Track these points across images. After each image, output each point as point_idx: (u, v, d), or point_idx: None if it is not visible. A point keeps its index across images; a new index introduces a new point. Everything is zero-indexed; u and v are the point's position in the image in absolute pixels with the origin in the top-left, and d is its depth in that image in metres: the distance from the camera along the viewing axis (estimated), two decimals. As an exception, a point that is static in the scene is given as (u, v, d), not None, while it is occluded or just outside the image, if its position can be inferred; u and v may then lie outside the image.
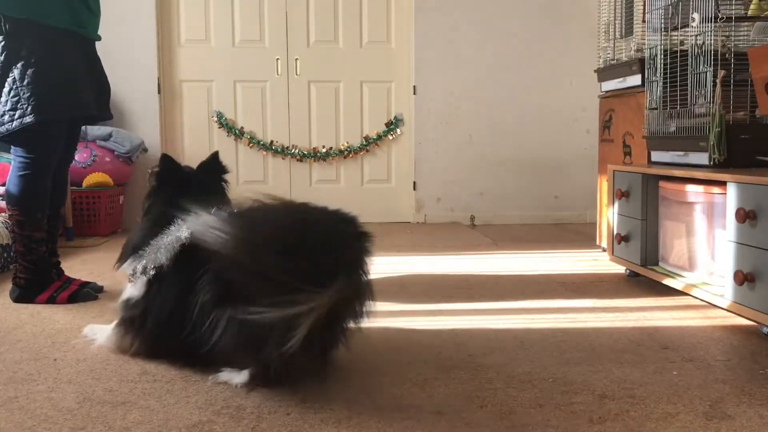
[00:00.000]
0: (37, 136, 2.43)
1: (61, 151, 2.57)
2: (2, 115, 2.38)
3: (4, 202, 2.53)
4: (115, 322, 1.95)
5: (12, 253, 3.13)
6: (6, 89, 2.38)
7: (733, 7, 2.62)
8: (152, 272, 1.80)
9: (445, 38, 4.89)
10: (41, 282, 2.55)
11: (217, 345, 1.62)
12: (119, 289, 2.02)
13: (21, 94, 2.36)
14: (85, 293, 2.59)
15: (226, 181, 2.09)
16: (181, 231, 1.79)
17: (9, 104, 2.37)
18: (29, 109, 2.35)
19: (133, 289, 1.87)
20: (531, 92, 4.95)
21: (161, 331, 1.81)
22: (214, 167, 2.08)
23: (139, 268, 1.84)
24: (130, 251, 1.92)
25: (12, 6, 2.36)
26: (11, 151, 2.52)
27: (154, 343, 1.86)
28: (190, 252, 1.75)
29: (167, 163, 1.99)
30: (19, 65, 2.37)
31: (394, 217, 5.02)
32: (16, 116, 2.36)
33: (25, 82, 2.36)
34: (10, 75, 2.37)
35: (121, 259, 1.95)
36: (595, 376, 1.76)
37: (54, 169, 2.57)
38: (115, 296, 2.66)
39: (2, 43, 2.37)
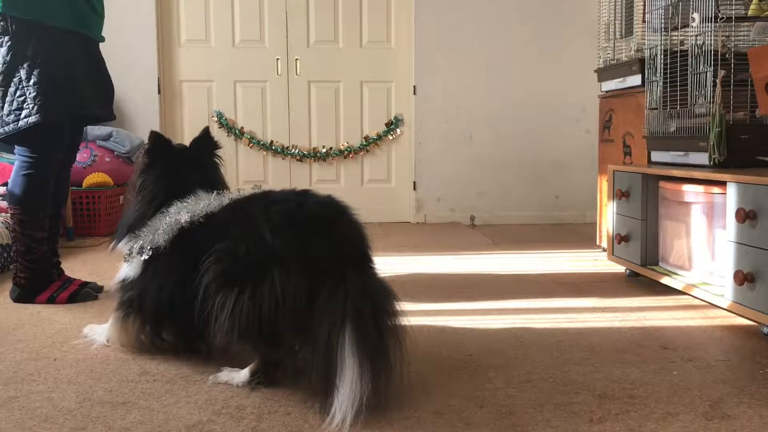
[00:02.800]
0: (41, 136, 2.44)
1: (63, 150, 2.58)
2: (8, 115, 2.38)
3: (6, 201, 2.53)
4: (114, 308, 1.94)
5: (12, 253, 3.13)
6: (12, 89, 2.38)
7: (733, 7, 2.62)
8: (149, 253, 1.79)
9: (445, 38, 4.89)
10: (41, 282, 2.56)
11: (223, 327, 1.59)
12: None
13: (27, 94, 2.36)
14: (85, 293, 2.59)
15: (219, 157, 2.07)
16: (181, 214, 1.79)
17: (15, 104, 2.38)
18: (35, 108, 2.36)
19: (129, 269, 1.87)
20: (531, 92, 4.95)
21: (161, 312, 1.80)
22: (205, 143, 2.05)
23: (135, 248, 1.83)
24: (125, 230, 1.91)
25: (17, 7, 2.36)
26: (15, 150, 2.52)
27: (154, 326, 1.86)
28: (189, 235, 1.76)
29: (157, 139, 1.97)
30: (25, 65, 2.37)
31: (394, 217, 5.03)
32: (22, 116, 2.37)
33: (31, 82, 2.37)
34: (16, 75, 2.37)
35: (116, 239, 1.94)
36: (595, 376, 1.76)
37: (56, 169, 2.58)
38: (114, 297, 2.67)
39: (8, 43, 2.37)
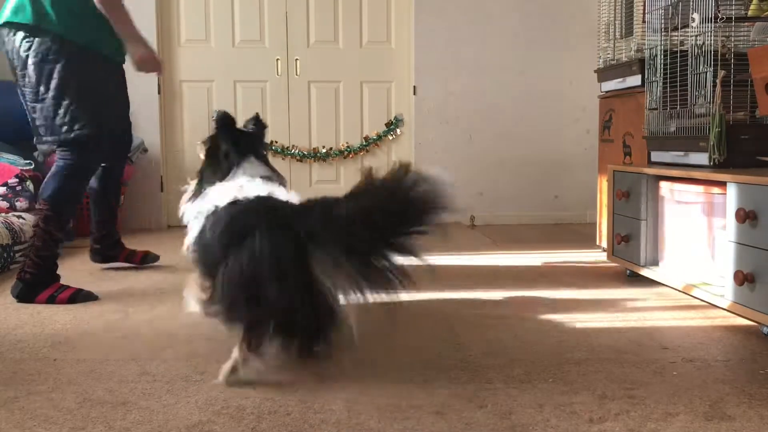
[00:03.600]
0: (85, 147, 2.69)
1: (101, 161, 2.90)
2: (61, 126, 2.63)
3: (39, 195, 2.69)
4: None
5: (11, 253, 3.14)
6: (66, 102, 2.62)
7: (733, 7, 2.62)
8: (201, 219, 1.97)
9: (445, 38, 4.89)
10: (45, 280, 2.59)
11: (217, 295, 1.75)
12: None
13: (74, 110, 2.63)
14: (85, 294, 2.60)
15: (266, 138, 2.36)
16: (212, 201, 1.96)
17: (68, 117, 2.62)
18: (82, 124, 2.64)
19: (191, 234, 2.04)
20: (531, 92, 4.95)
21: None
22: (258, 126, 2.32)
23: (187, 220, 2.09)
24: (192, 196, 2.17)
25: (74, 33, 2.63)
26: (57, 153, 2.72)
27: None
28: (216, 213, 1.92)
29: (225, 117, 2.23)
30: (75, 84, 2.62)
31: (394, 217, 5.01)
32: (75, 128, 2.63)
33: (78, 99, 2.63)
34: (67, 92, 2.62)
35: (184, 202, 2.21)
36: (595, 376, 1.76)
37: (106, 174, 3.05)
38: (116, 296, 2.67)
39: (62, 62, 2.60)
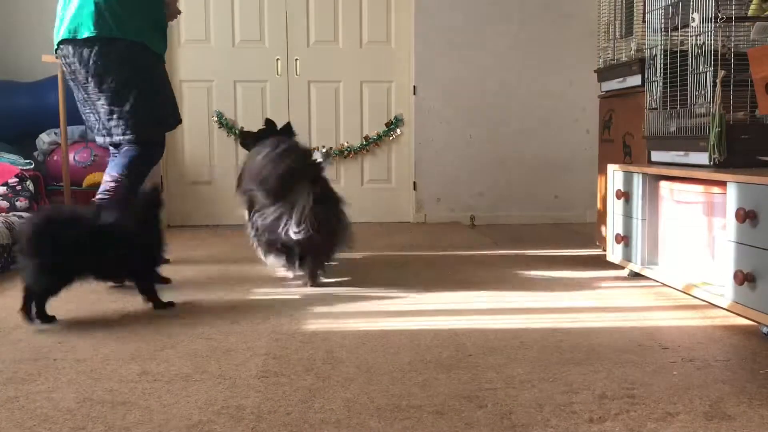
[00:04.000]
0: (160, 141, 3.07)
1: (163, 151, 3.20)
2: (143, 124, 2.92)
3: (113, 170, 2.94)
4: None
5: (11, 253, 3.14)
6: (145, 102, 2.91)
7: (733, 7, 2.62)
8: None
9: (445, 38, 4.89)
10: None
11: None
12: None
13: (152, 108, 2.95)
14: None
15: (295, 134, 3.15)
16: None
17: (152, 114, 2.94)
18: (161, 121, 3.01)
19: None
20: (531, 92, 4.95)
21: None
22: (288, 131, 3.12)
23: None
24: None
25: (151, 41, 2.92)
26: (124, 145, 2.97)
27: None
28: None
29: (270, 123, 3.16)
30: (153, 86, 2.94)
31: (394, 217, 5.02)
32: (158, 124, 3.00)
33: (156, 98, 2.97)
34: (148, 93, 2.92)
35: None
36: (595, 376, 1.76)
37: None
38: (117, 295, 2.67)
39: (144, 63, 2.90)
